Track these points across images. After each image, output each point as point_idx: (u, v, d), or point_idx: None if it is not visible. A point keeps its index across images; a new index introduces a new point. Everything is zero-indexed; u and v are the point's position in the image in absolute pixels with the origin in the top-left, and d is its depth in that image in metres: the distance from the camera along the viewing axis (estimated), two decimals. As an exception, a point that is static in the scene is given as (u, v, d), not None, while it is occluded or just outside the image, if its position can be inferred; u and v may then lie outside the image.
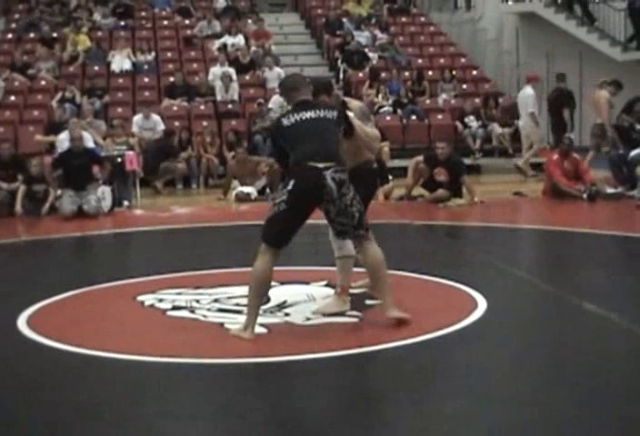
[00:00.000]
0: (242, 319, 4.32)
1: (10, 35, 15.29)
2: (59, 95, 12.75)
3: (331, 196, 4.00)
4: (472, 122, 12.83)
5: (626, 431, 2.87)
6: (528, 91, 11.74)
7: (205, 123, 12.51)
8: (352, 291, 4.65)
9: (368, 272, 4.20)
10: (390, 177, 10.09)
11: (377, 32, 15.45)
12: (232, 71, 13.43)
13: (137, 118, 12.12)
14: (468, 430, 2.92)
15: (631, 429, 2.89)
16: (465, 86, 14.17)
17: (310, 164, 3.99)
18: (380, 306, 4.24)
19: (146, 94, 13.57)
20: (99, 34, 15.20)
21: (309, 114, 4.12)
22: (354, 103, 4.74)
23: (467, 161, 11.24)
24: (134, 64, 14.12)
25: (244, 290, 4.68)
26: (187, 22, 15.87)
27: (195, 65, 14.30)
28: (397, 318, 4.11)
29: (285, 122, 4.15)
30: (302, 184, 3.98)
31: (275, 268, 5.33)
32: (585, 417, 3.01)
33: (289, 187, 3.99)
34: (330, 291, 4.82)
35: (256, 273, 4.09)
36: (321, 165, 3.99)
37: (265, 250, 4.08)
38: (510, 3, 15.91)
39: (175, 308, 4.70)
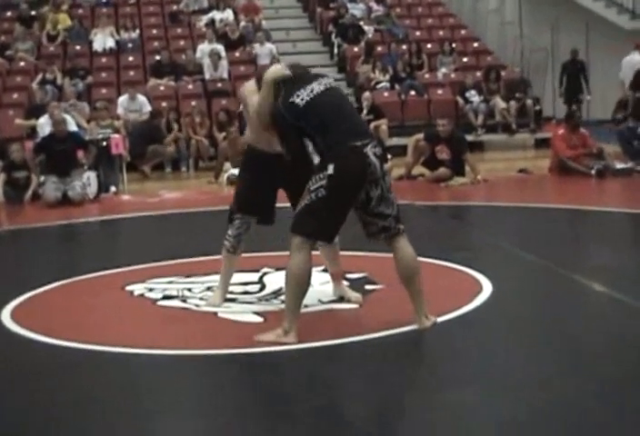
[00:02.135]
0: (236, 307, 4.25)
1: (-14, 15, 14.89)
2: (39, 77, 12.47)
3: (375, 175, 3.64)
4: (473, 96, 12.56)
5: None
6: (636, 58, 11.27)
7: (193, 103, 12.25)
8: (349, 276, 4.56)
9: (400, 274, 3.79)
10: (389, 156, 9.86)
11: (373, 4, 15.13)
12: (220, 48, 13.20)
13: (122, 99, 11.88)
14: (474, 418, 2.86)
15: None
16: (465, 59, 13.87)
17: (351, 144, 3.64)
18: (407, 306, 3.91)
19: (131, 73, 13.29)
20: (80, 11, 14.91)
21: (317, 88, 3.72)
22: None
23: (469, 137, 11.05)
24: (117, 43, 13.86)
25: (238, 277, 4.57)
26: (173, -3, 15.52)
27: (181, 43, 14.04)
28: (429, 327, 3.82)
29: (297, 100, 3.67)
30: (346, 166, 3.59)
31: (270, 253, 5.20)
32: (596, 407, 2.89)
33: (329, 171, 3.58)
34: (328, 276, 4.58)
35: (295, 272, 3.65)
36: (359, 143, 3.65)
37: (301, 244, 3.63)
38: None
39: (165, 297, 4.60)
